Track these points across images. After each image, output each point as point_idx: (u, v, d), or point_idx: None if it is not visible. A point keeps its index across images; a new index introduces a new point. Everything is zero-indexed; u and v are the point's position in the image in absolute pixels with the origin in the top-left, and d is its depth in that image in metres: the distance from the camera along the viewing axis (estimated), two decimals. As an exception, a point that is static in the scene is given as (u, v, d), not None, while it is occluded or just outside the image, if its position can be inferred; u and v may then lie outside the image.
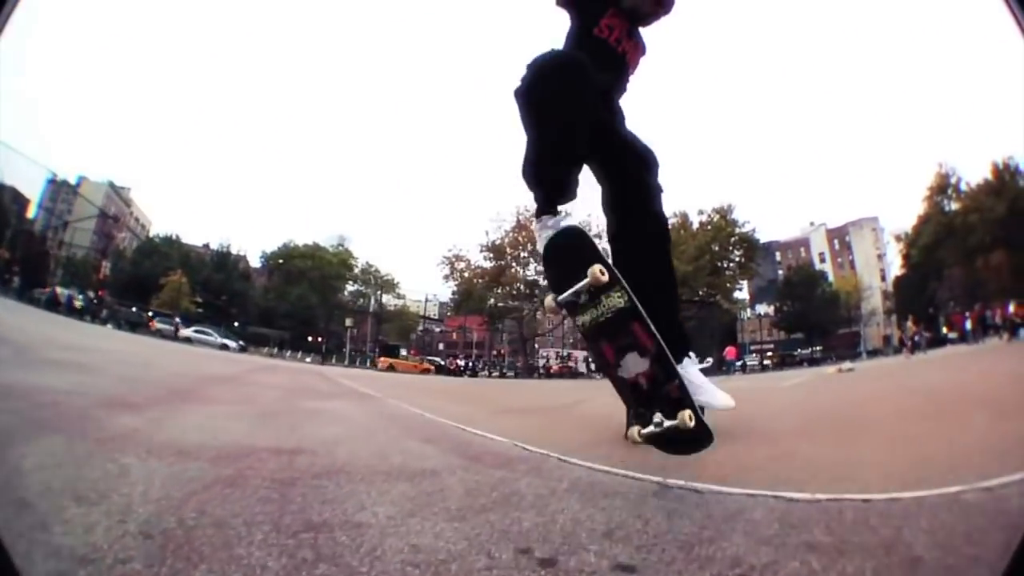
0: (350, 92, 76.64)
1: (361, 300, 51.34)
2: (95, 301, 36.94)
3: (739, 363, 31.27)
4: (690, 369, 2.48)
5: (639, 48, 2.95)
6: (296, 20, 71.25)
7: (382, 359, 38.59)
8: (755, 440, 3.72)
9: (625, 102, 3.00)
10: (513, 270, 39.85)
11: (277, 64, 73.90)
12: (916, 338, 27.83)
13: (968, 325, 26.28)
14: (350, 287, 53.41)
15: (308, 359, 38.29)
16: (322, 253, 52.11)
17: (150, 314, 36.63)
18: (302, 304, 47.20)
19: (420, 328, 54.73)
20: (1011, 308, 21.26)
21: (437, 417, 5.42)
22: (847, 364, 20.04)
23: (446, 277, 41.12)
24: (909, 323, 25.04)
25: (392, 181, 76.30)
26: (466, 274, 41.08)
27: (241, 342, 37.10)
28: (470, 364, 34.58)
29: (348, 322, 43.23)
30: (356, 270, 53.10)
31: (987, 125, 59.68)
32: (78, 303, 33.50)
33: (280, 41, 74.80)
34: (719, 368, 32.23)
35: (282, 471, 2.57)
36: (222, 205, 77.36)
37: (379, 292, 51.51)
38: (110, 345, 12.96)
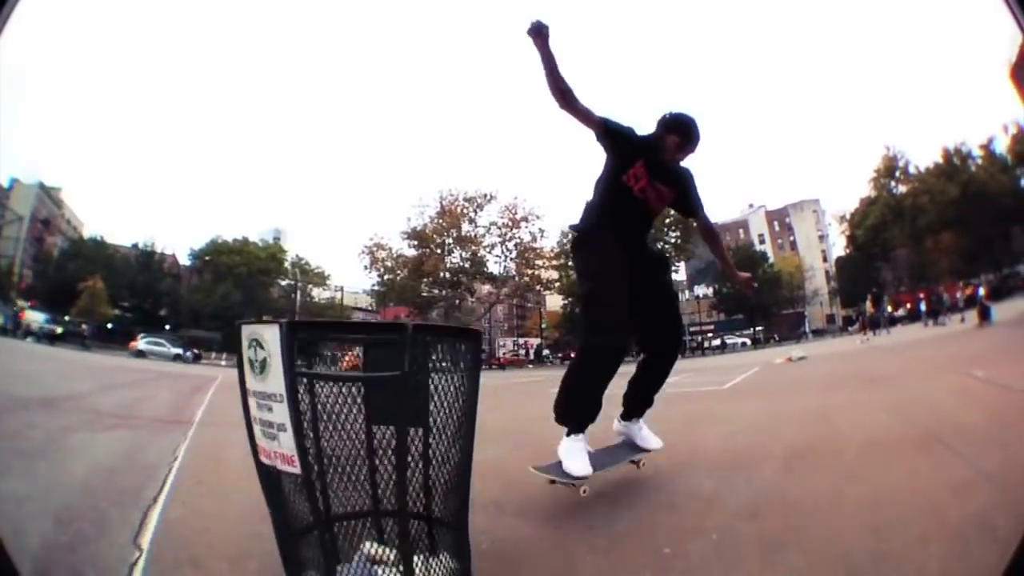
0: (276, 84, 71.81)
1: (294, 295, 47.46)
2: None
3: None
4: (642, 425, 3.46)
5: (663, 196, 3.32)
6: (226, 14, 66.43)
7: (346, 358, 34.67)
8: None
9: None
10: (436, 257, 36.17)
11: (208, 61, 69.08)
12: (881, 316, 25.83)
13: (922, 306, 24.51)
14: (281, 282, 49.76)
15: (223, 361, 33.08)
16: (250, 248, 48.10)
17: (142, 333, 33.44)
18: (226, 303, 43.25)
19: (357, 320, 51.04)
20: (981, 291, 19.27)
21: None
22: (797, 352, 16.81)
23: (367, 267, 37.06)
24: (867, 303, 23.10)
25: (319, 173, 72.26)
26: (388, 263, 37.06)
27: (195, 350, 34.43)
28: (389, 358, 30.95)
29: (265, 319, 38.65)
30: (286, 264, 49.42)
31: (932, 111, 59.13)
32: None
33: (211, 35, 69.83)
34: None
35: None
36: (155, 203, 71.79)
37: (309, 286, 47.92)
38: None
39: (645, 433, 3.42)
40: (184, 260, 49.04)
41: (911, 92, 55.48)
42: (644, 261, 3.32)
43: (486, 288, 39.57)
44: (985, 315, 16.41)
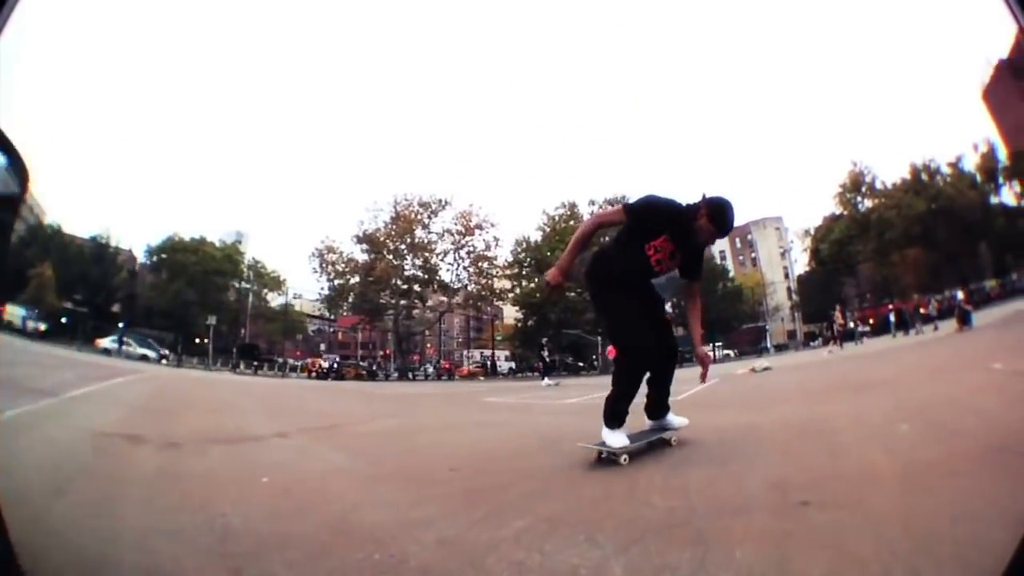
0: (240, 84, 69.60)
1: (251, 298, 45.10)
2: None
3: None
4: (668, 415, 3.80)
5: (675, 263, 3.56)
6: (203, 18, 64.44)
7: (311, 364, 33.33)
8: None
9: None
10: (387, 263, 34.20)
11: (189, 63, 66.67)
12: (855, 328, 24.88)
13: (891, 318, 23.80)
14: (236, 284, 47.34)
15: (164, 361, 31.90)
16: (207, 247, 45.43)
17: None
18: (177, 301, 40.90)
19: (313, 328, 48.81)
20: (959, 295, 18.59)
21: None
22: (762, 363, 15.24)
23: (315, 270, 34.98)
24: (836, 313, 22.06)
25: (283, 180, 70.01)
26: (339, 267, 34.92)
27: (164, 351, 32.88)
28: (334, 366, 29.30)
29: (211, 320, 36.37)
30: (242, 266, 47.03)
31: (902, 132, 59.17)
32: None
33: (187, 37, 67.49)
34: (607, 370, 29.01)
35: None
36: (121, 198, 69.09)
37: (264, 290, 45.64)
38: None
39: (671, 417, 3.78)
40: (142, 257, 46.47)
41: (881, 115, 55.53)
42: (649, 298, 3.67)
43: (439, 297, 37.87)
44: (965, 320, 15.26)
